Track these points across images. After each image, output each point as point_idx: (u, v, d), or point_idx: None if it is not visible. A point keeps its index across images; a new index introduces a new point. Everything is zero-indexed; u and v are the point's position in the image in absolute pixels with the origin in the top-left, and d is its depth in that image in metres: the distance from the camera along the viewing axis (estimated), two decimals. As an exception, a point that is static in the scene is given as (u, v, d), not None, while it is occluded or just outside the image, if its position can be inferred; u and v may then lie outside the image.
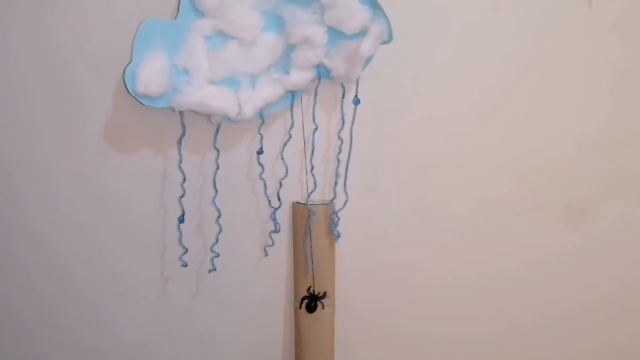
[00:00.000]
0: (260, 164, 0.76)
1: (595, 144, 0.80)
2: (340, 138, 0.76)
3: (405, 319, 0.85)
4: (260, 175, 0.76)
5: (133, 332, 0.83)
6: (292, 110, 0.75)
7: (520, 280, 0.85)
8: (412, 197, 0.80)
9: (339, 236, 0.78)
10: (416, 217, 0.81)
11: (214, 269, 0.78)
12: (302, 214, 0.77)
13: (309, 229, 0.77)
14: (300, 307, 0.80)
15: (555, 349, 0.88)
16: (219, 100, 0.68)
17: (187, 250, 0.76)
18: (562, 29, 0.76)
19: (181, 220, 0.75)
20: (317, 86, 0.73)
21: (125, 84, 0.66)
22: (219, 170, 0.74)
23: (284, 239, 0.80)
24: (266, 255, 0.79)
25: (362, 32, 0.67)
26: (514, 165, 0.80)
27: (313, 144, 0.76)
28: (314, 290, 0.79)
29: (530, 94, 0.78)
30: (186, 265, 0.77)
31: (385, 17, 0.68)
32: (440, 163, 0.79)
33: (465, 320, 0.86)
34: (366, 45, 0.67)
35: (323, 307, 0.80)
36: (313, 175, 0.77)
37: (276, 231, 0.78)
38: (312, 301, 0.79)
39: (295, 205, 0.78)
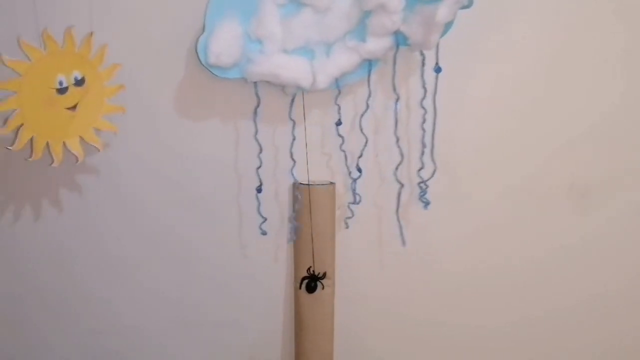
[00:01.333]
0: (340, 135, 0.74)
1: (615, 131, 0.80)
2: (423, 107, 0.73)
3: (405, 301, 0.85)
4: (340, 147, 0.75)
5: (131, 317, 0.83)
6: (369, 80, 0.72)
7: (523, 273, 0.85)
8: (412, 178, 0.79)
9: (428, 204, 0.77)
10: (419, 200, 0.80)
11: (293, 240, 0.79)
12: (302, 194, 0.77)
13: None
14: (300, 287, 0.80)
15: (566, 339, 0.88)
16: (290, 70, 0.67)
17: (265, 219, 0.76)
18: (571, 14, 0.75)
19: (259, 190, 0.75)
20: (395, 54, 0.70)
21: (197, 55, 0.65)
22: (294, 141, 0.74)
23: (283, 219, 0.80)
24: (347, 227, 0.79)
25: (439, -4, 0.63)
26: (529, 152, 0.80)
27: (396, 115, 0.74)
28: (314, 271, 0.79)
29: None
30: (265, 234, 0.77)
31: None
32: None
33: (465, 307, 0.86)
34: (443, 10, 0.63)
35: (323, 288, 0.80)
36: (399, 147, 0.75)
37: (355, 202, 0.77)
38: (312, 281, 0.79)
39: (296, 186, 0.78)
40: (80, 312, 0.82)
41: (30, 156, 0.64)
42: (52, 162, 0.66)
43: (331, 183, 0.78)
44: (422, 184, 0.77)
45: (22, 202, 0.76)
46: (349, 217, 0.79)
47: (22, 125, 0.62)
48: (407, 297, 0.85)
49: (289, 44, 0.66)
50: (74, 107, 0.65)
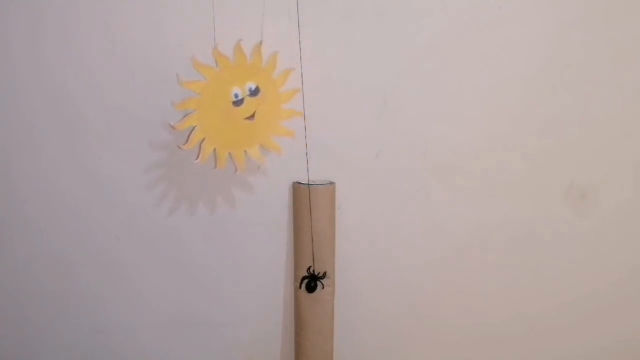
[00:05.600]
0: None
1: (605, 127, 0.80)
2: None
3: (405, 300, 0.85)
4: None
5: (128, 316, 0.83)
6: None
7: (523, 272, 0.85)
8: (412, 177, 0.80)
9: None
10: (419, 200, 0.80)
11: None
12: (302, 194, 0.77)
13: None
14: (300, 287, 0.80)
15: (566, 337, 0.88)
16: None
17: None
18: (561, 14, 0.75)
19: None
20: None
21: None
22: None
23: (284, 219, 0.80)
24: None
25: None
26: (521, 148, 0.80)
27: None
28: (313, 270, 0.79)
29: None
30: None
31: None
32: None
33: (466, 306, 0.86)
34: None
35: (323, 287, 0.80)
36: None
37: None
38: (312, 281, 0.79)
39: (296, 186, 0.78)
40: (81, 309, 0.82)
41: (215, 166, 0.68)
42: (236, 170, 0.70)
43: (331, 183, 0.78)
44: None
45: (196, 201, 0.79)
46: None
47: (203, 139, 0.66)
48: (408, 297, 0.85)
49: None
50: (251, 117, 0.68)
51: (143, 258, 0.80)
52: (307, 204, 0.76)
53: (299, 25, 0.70)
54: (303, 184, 0.77)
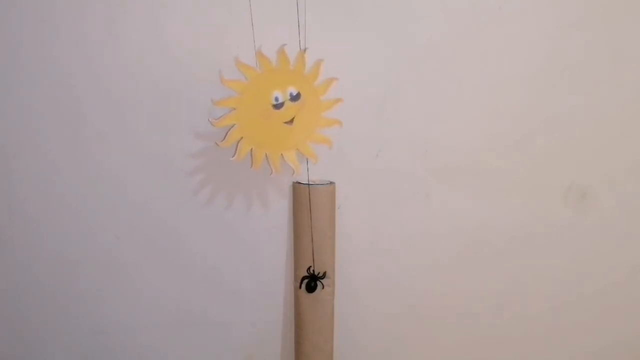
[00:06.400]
0: None
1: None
2: None
3: (405, 300, 0.85)
4: None
5: (128, 316, 0.83)
6: None
7: (522, 267, 0.85)
8: (412, 177, 0.80)
9: None
10: (419, 200, 0.80)
11: None
12: (302, 194, 0.77)
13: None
14: (300, 287, 0.80)
15: (560, 339, 0.89)
16: None
17: None
18: (561, 14, 0.75)
19: None
20: None
21: None
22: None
23: (284, 219, 0.80)
24: None
25: None
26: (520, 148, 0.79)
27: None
28: (314, 270, 0.79)
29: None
30: None
31: None
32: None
33: (466, 306, 0.86)
34: None
35: (323, 287, 0.80)
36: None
37: None
38: (312, 281, 0.79)
39: (296, 186, 0.78)
40: (81, 309, 0.82)
41: (251, 166, 0.70)
42: (272, 172, 0.71)
43: (331, 183, 0.78)
44: None
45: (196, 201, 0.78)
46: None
47: (241, 138, 0.68)
48: (408, 297, 0.85)
49: None
50: (290, 121, 0.69)
51: (143, 258, 0.80)
52: (307, 204, 0.76)
53: (299, 26, 0.70)
54: (303, 184, 0.77)
